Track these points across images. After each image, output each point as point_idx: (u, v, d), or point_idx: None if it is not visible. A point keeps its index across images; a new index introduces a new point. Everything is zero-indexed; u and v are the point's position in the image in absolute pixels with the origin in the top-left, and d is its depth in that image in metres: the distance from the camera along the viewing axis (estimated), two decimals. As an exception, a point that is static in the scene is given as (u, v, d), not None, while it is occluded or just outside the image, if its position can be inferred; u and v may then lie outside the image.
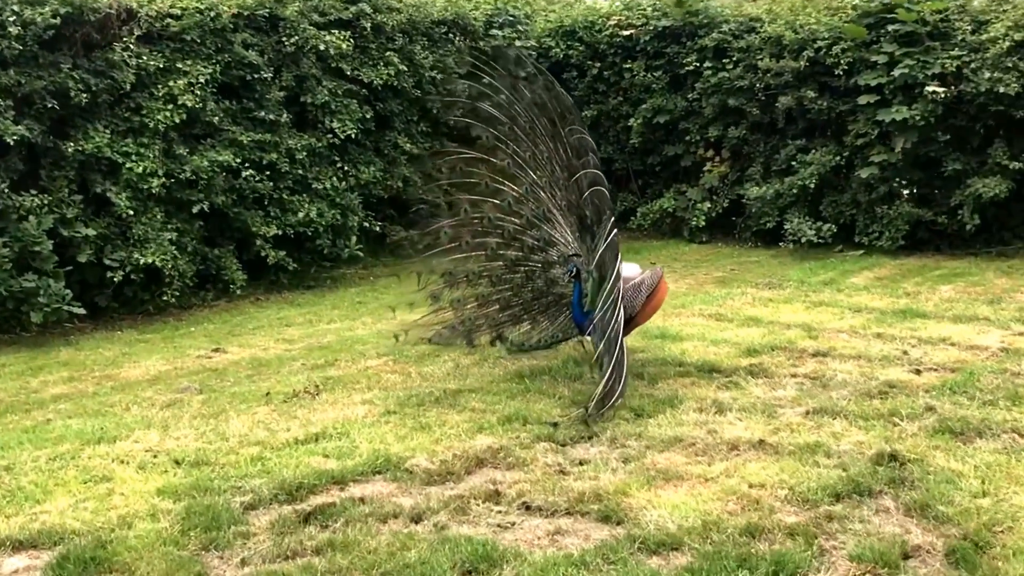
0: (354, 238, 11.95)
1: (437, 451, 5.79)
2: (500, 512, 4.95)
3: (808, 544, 4.48)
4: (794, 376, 7.30)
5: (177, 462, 5.78)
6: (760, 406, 6.52)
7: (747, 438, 5.87)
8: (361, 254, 12.16)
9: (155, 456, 5.90)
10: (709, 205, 14.12)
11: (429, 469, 5.49)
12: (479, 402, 6.77)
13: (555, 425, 6.14)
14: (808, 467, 5.40)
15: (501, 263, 7.63)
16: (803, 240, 12.89)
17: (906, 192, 12.92)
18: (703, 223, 14.05)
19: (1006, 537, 4.53)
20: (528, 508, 4.98)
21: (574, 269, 7.17)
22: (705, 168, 14.29)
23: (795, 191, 13.08)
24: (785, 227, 13.16)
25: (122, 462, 5.81)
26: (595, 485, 5.17)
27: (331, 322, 10.00)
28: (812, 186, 12.97)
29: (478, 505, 5.01)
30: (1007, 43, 11.78)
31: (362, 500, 5.12)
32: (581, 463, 5.57)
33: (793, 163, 13.30)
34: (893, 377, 7.13)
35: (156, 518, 4.97)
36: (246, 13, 11.19)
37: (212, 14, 10.76)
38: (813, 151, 13.14)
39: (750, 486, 5.15)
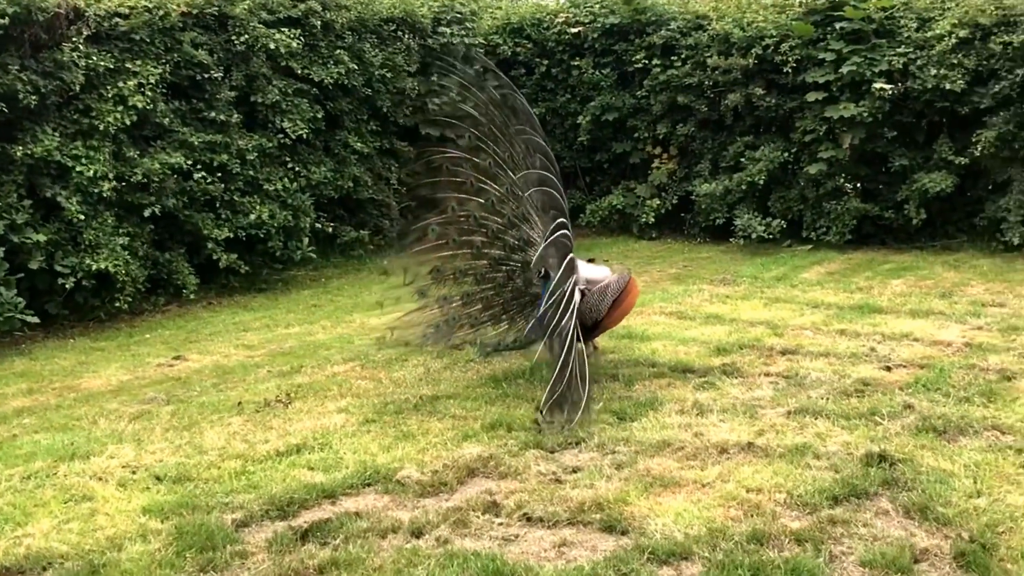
0: (306, 239, 11.77)
1: (425, 461, 5.70)
2: (501, 524, 4.88)
3: (817, 551, 4.48)
4: (767, 375, 7.33)
5: (158, 478, 5.63)
6: (740, 407, 6.53)
7: (734, 440, 5.87)
8: (313, 256, 12.00)
9: (134, 472, 5.74)
10: (658, 202, 14.17)
11: (421, 480, 5.40)
12: (459, 408, 6.69)
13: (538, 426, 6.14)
14: (800, 470, 5.42)
15: (485, 261, 7.55)
16: (753, 236, 13.00)
17: (849, 187, 13.08)
18: (652, 220, 14.10)
19: (1010, 538, 4.57)
20: (529, 519, 4.92)
21: (542, 269, 7.14)
22: (654, 165, 14.34)
23: (744, 187, 13.19)
24: (735, 223, 13.26)
25: (100, 479, 5.64)
26: (594, 494, 5.12)
27: (289, 326, 9.84)
28: (760, 182, 13.08)
29: (478, 517, 4.94)
30: (952, 40, 11.98)
31: (358, 514, 5.01)
32: (574, 470, 5.52)
33: (741, 160, 13.40)
34: (865, 374, 7.20)
35: (146, 539, 4.82)
36: (195, 12, 10.94)
37: (160, 13, 10.49)
38: (761, 148, 13.26)
39: (748, 491, 5.15)
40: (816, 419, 6.25)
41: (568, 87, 14.80)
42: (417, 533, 4.80)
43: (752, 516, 4.84)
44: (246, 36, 11.23)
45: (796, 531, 4.66)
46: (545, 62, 14.80)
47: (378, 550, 4.63)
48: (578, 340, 6.62)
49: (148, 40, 10.45)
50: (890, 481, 5.22)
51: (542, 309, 6.75)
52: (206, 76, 10.94)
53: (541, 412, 6.25)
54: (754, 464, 5.53)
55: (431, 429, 6.29)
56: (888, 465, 5.42)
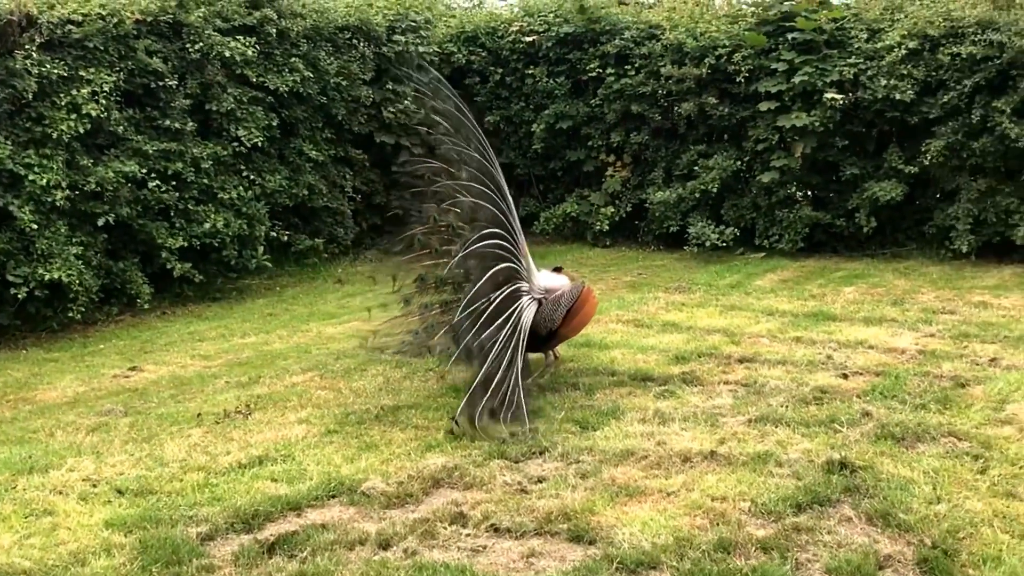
0: (261, 248, 11.70)
1: (390, 472, 5.69)
2: (469, 535, 4.88)
3: (784, 558, 4.53)
4: (727, 383, 7.39)
5: (120, 491, 5.56)
6: (701, 415, 6.58)
7: (697, 449, 5.92)
8: (268, 264, 11.92)
9: (95, 486, 5.67)
10: (612, 209, 14.23)
11: (386, 491, 5.38)
12: (421, 418, 6.68)
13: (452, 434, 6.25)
14: (763, 478, 5.47)
15: (462, 270, 7.55)
16: (706, 244, 13.11)
17: (800, 195, 13.25)
18: (606, 227, 14.17)
19: (971, 544, 4.64)
20: (496, 530, 4.92)
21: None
22: (608, 173, 14.41)
23: (697, 195, 13.30)
24: (688, 231, 13.36)
25: (60, 493, 5.56)
26: (560, 503, 5.14)
27: (245, 336, 9.77)
28: (714, 190, 13.20)
29: (445, 528, 4.94)
30: (902, 51, 12.17)
31: (324, 527, 4.99)
32: (540, 480, 5.53)
33: (695, 168, 13.51)
34: (823, 382, 7.27)
35: (111, 553, 4.76)
36: (149, 19, 10.84)
37: (114, 20, 10.39)
38: (714, 156, 13.38)
39: (712, 499, 5.19)
40: (776, 427, 6.32)
41: (522, 95, 14.84)
42: (385, 545, 4.79)
43: (718, 525, 4.88)
44: (201, 44, 11.15)
45: (762, 539, 4.71)
46: (499, 70, 14.83)
47: (346, 562, 4.61)
48: (520, 350, 6.75)
49: (102, 48, 10.35)
50: (852, 488, 5.29)
51: (456, 319, 6.80)
52: (160, 84, 10.85)
53: (455, 421, 6.31)
54: (718, 472, 5.58)
55: (394, 439, 6.27)
56: (849, 472, 5.49)
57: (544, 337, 7.44)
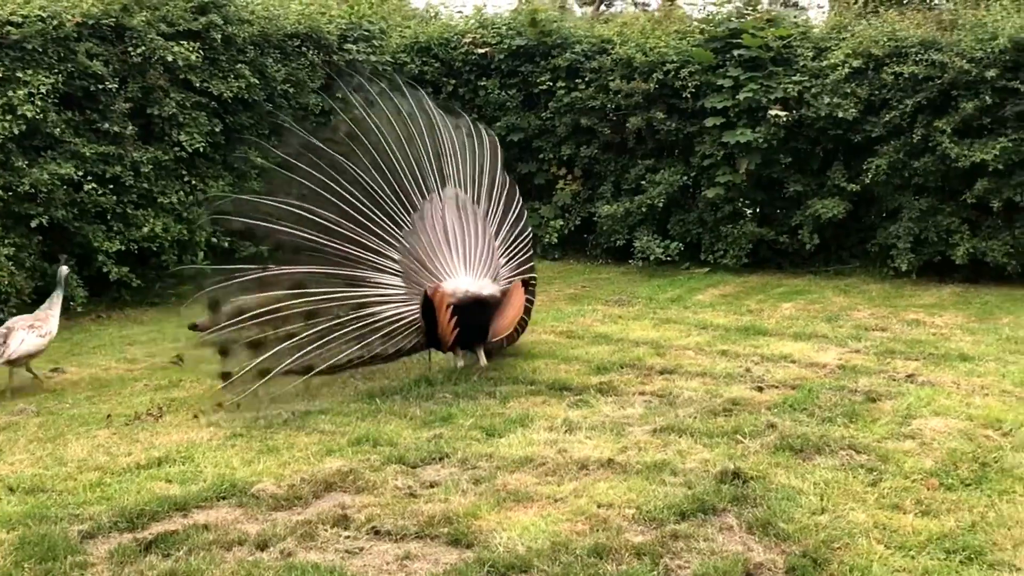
0: (201, 253, 11.67)
1: (284, 475, 5.69)
2: (348, 537, 4.89)
3: (654, 564, 4.56)
4: (642, 394, 7.44)
5: (11, 489, 5.56)
6: (609, 424, 6.61)
7: (596, 457, 5.94)
8: (209, 270, 11.86)
9: (-12, 483, 5.66)
10: (562, 222, 14.28)
11: (276, 494, 5.39)
12: (329, 424, 6.69)
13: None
14: (655, 486, 5.49)
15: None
16: (651, 258, 13.18)
17: (748, 211, 13.34)
18: (556, 240, 14.21)
19: (843, 553, 4.67)
20: (377, 533, 4.93)
21: None
22: (558, 186, 14.45)
23: (644, 210, 13.37)
24: (634, 244, 13.41)
25: (-50, 490, 5.55)
26: (445, 508, 5.15)
27: (176, 340, 9.68)
28: (660, 205, 13.27)
29: (326, 530, 4.94)
30: (846, 70, 12.27)
31: (206, 527, 4.98)
32: (432, 485, 5.54)
33: (642, 182, 13.59)
34: (737, 394, 7.31)
35: (-12, 550, 4.75)
36: (90, 22, 10.81)
37: (55, 23, 10.37)
38: (662, 171, 13.46)
39: (599, 506, 5.21)
40: (680, 437, 6.34)
41: (474, 107, 14.85)
42: (262, 546, 4.78)
43: (597, 531, 4.90)
44: (143, 48, 11.12)
45: (637, 545, 4.73)
46: (452, 82, 14.86)
47: (220, 562, 4.60)
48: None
49: (41, 50, 10.32)
50: (740, 498, 5.31)
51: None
52: (101, 87, 10.81)
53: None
54: (611, 480, 5.60)
55: (297, 443, 6.28)
56: (741, 482, 5.51)
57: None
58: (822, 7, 26.83)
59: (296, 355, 7.38)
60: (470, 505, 5.20)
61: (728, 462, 5.80)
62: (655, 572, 4.48)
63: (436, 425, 6.63)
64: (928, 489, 5.49)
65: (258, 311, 7.43)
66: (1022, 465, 5.85)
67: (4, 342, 7.79)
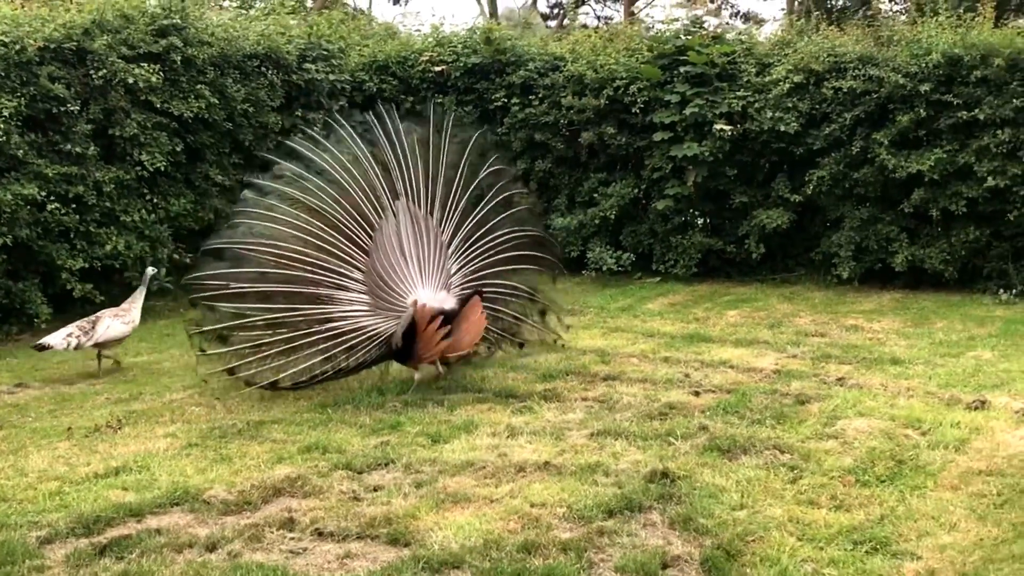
0: (163, 270, 11.93)
1: (236, 482, 5.98)
2: (293, 539, 5.19)
3: (579, 557, 4.88)
4: (584, 399, 7.77)
5: (-27, 500, 5.83)
6: (550, 429, 6.94)
7: (534, 460, 6.27)
8: (171, 286, 12.14)
9: (-49, 495, 5.92)
10: (517, 235, 14.60)
11: (227, 499, 5.69)
12: (281, 433, 6.99)
13: None
14: (587, 486, 5.83)
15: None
16: (604, 268, 13.54)
17: (700, 221, 13.73)
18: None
19: (756, 546, 5.02)
20: (320, 534, 5.24)
21: None
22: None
23: (597, 222, 13.74)
24: (588, 256, 13.78)
25: (-85, 502, 5.81)
26: (387, 510, 5.47)
27: (138, 355, 10.01)
28: (613, 217, 13.64)
29: (272, 533, 5.24)
30: (787, 85, 12.69)
31: (158, 531, 5.27)
32: (375, 489, 5.85)
33: (595, 195, 13.96)
34: (674, 399, 7.67)
35: (-50, 556, 5.03)
36: (52, 46, 11.08)
37: (17, 47, 10.63)
38: (613, 184, 13.84)
39: (532, 505, 5.53)
40: (616, 440, 6.68)
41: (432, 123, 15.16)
42: (211, 548, 5.08)
43: (528, 528, 5.23)
44: (105, 71, 11.40)
45: (565, 541, 5.05)
46: (410, 99, 15.14)
47: (170, 563, 4.90)
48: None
49: (3, 74, 10.58)
50: (665, 496, 5.65)
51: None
52: (63, 109, 11.07)
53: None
54: (546, 481, 5.93)
55: (249, 452, 6.57)
56: (669, 481, 5.86)
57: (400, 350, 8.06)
58: (778, 20, 27.38)
59: (263, 367, 7.93)
60: (410, 507, 5.52)
61: (658, 463, 6.14)
62: (579, 565, 4.80)
63: (384, 432, 6.95)
64: (844, 485, 5.86)
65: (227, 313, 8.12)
66: (936, 462, 6.22)
67: (92, 327, 9.07)
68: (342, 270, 8.20)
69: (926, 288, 12.50)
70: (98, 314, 9.33)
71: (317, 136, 9.21)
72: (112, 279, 11.74)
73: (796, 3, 31.84)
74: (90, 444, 6.91)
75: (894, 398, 7.65)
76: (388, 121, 8.99)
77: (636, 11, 35.23)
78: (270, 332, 8.06)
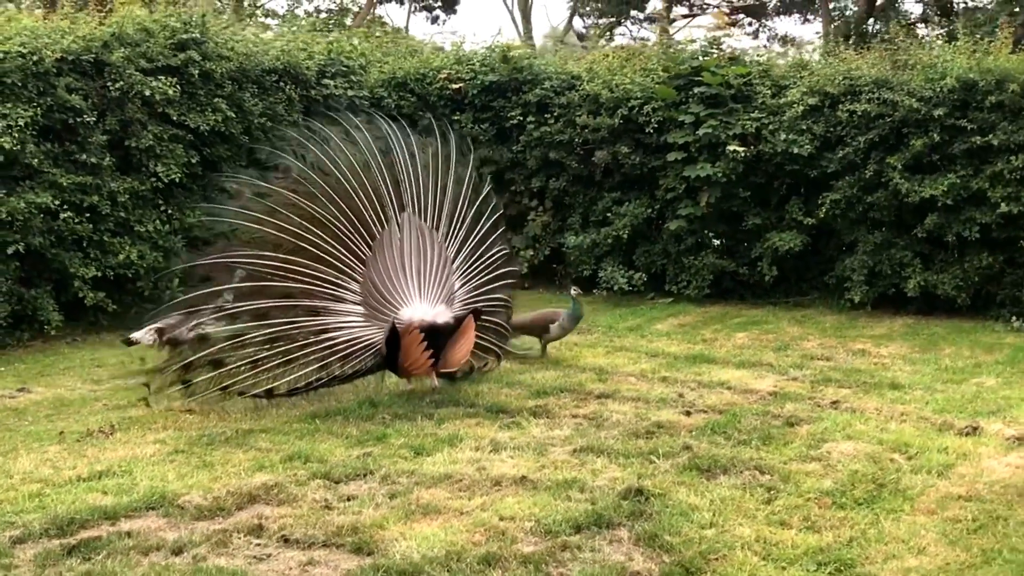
0: (176, 280, 12.04)
1: (213, 488, 6.05)
2: (259, 545, 5.24)
3: (538, 571, 4.90)
4: (574, 416, 7.78)
5: (-45, 499, 5.93)
6: (534, 445, 6.95)
7: (512, 474, 6.29)
8: (179, 296, 12.25)
9: (-65, 494, 6.02)
10: (532, 253, 14.68)
11: (201, 505, 5.75)
12: (267, 441, 7.05)
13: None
14: (560, 501, 5.84)
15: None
16: (615, 288, 13.55)
17: (716, 242, 13.70)
18: (526, 270, 14.58)
19: (718, 564, 5.02)
20: (287, 541, 5.28)
21: None
22: (529, 217, 14.86)
23: (610, 241, 13.75)
24: (600, 275, 13.80)
25: (-102, 501, 5.92)
26: (355, 519, 5.51)
27: (144, 363, 10.09)
28: (626, 236, 13.65)
29: (239, 538, 5.30)
30: (801, 107, 12.68)
31: (129, 534, 5.34)
32: (349, 499, 5.90)
33: (609, 214, 13.98)
34: (664, 418, 7.66)
35: (-77, 553, 5.12)
36: (71, 58, 11.28)
37: (35, 58, 10.83)
38: (627, 203, 13.84)
39: (501, 519, 5.55)
40: (598, 457, 6.69)
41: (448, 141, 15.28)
42: (177, 551, 5.14)
43: (492, 541, 5.25)
44: (122, 83, 11.58)
45: (527, 554, 5.07)
46: (428, 116, 15.28)
47: (135, 565, 4.97)
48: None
49: (20, 84, 10.75)
50: (637, 513, 5.66)
51: None
52: (79, 120, 11.24)
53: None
54: (519, 495, 5.95)
55: (232, 459, 6.64)
56: (643, 499, 5.86)
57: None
58: (812, 44, 27.33)
59: (259, 379, 7.93)
60: (379, 517, 5.56)
61: (635, 480, 6.14)
62: (537, 578, 4.83)
63: (369, 444, 6.99)
64: (819, 507, 5.83)
65: (223, 343, 8.01)
66: (917, 486, 6.19)
67: None
68: (340, 280, 8.26)
69: (939, 314, 12.38)
70: None
71: (328, 132, 9.13)
72: (125, 288, 11.88)
73: (832, 26, 31.80)
74: (80, 448, 7.00)
75: (886, 422, 7.61)
76: (403, 131, 9.03)
77: (672, 32, 35.36)
78: (268, 347, 8.04)
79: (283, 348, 7.99)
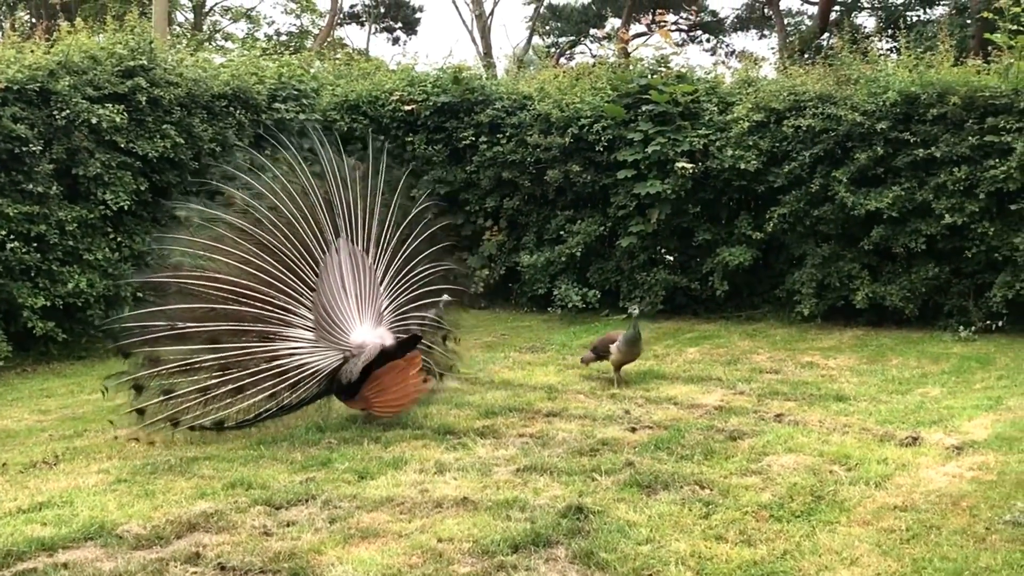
0: (127, 308, 12.00)
1: (153, 517, 6.03)
2: (196, 573, 5.24)
3: (472, 592, 4.93)
4: (521, 436, 7.81)
5: None
6: (479, 465, 6.98)
7: (453, 496, 6.31)
8: (128, 316, 12.20)
9: None
10: (487, 272, 14.73)
11: (140, 535, 5.73)
12: (210, 469, 7.04)
13: None
14: (499, 521, 5.86)
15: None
16: (570, 305, 13.61)
17: (670, 258, 13.81)
18: (481, 289, 14.65)
19: (650, 580, 5.08)
20: (223, 568, 5.28)
21: None
22: (484, 237, 14.93)
23: (564, 259, 13.84)
24: (554, 293, 13.87)
25: None
26: (294, 545, 5.52)
27: (93, 392, 10.05)
28: (579, 254, 13.75)
29: (176, 567, 5.29)
30: (747, 123, 12.82)
31: (65, 565, 5.33)
32: (289, 524, 5.90)
33: (562, 232, 14.08)
34: (609, 435, 7.71)
35: None
36: (16, 87, 11.25)
37: (-20, 89, 10.83)
38: (580, 221, 13.95)
39: (439, 540, 5.58)
40: (541, 475, 6.73)
41: (403, 161, 15.31)
42: (112, 582, 5.14)
43: (429, 563, 5.27)
44: (68, 111, 11.57)
45: (463, 575, 5.10)
46: (381, 138, 15.31)
47: (68, 597, 4.96)
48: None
49: (-35, 115, 10.75)
50: (575, 531, 5.69)
51: None
52: (25, 149, 11.20)
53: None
54: (459, 516, 5.97)
55: (174, 488, 6.62)
56: (583, 516, 5.89)
57: (347, 386, 8.06)
58: (767, 60, 27.60)
59: (208, 409, 7.86)
60: (317, 542, 5.56)
61: (577, 498, 6.18)
62: (469, 599, 4.86)
63: (313, 469, 6.99)
64: (756, 520, 5.89)
65: (174, 362, 7.97)
66: (855, 498, 6.26)
67: None
68: (289, 305, 8.26)
69: (888, 326, 12.54)
70: None
71: (265, 161, 9.17)
72: (75, 317, 11.83)
73: (787, 41, 32.11)
74: (22, 480, 6.96)
75: (828, 434, 7.69)
76: (337, 154, 9.05)
77: (631, 51, 35.59)
78: (219, 374, 7.98)
79: (234, 375, 7.94)
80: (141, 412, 7.94)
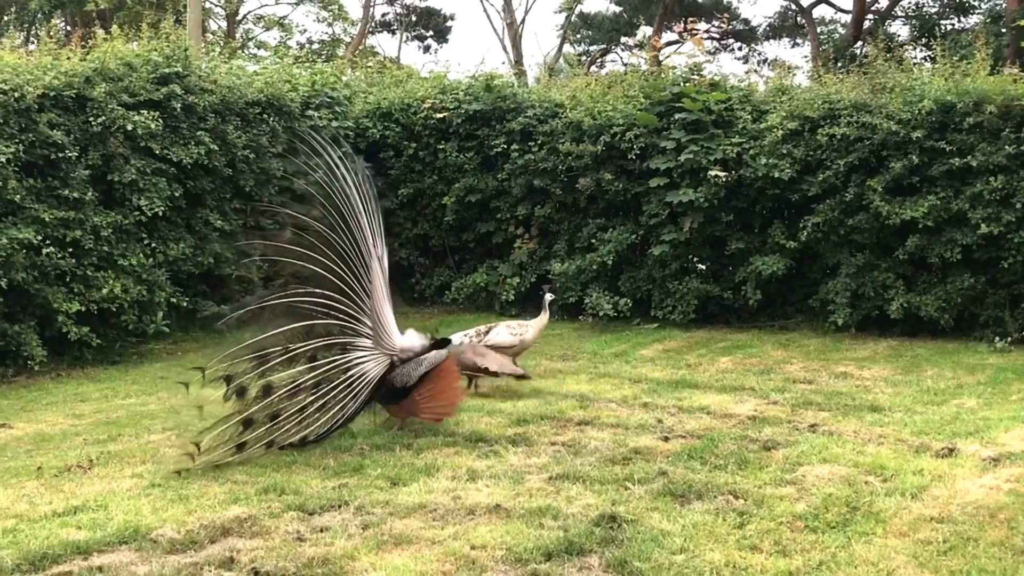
0: (160, 313, 12.09)
1: (188, 521, 6.05)
2: (229, 578, 5.26)
3: (505, 599, 4.92)
4: (553, 444, 7.78)
5: (-70, 536, 5.93)
6: (511, 473, 6.96)
7: (486, 503, 6.29)
8: (167, 329, 12.29)
9: (-91, 532, 6.03)
10: (518, 280, 14.72)
11: (174, 539, 5.75)
12: (243, 474, 7.05)
13: None
14: (532, 529, 5.84)
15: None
16: (601, 314, 13.58)
17: (702, 267, 13.77)
18: (512, 297, 14.64)
19: (683, 589, 5.04)
20: (257, 573, 5.28)
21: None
22: (516, 244, 14.93)
23: (595, 267, 13.81)
24: (585, 301, 13.85)
25: None
26: (327, 551, 5.51)
27: (127, 397, 10.15)
28: (611, 263, 13.72)
29: (210, 571, 5.30)
30: (781, 132, 12.76)
31: (100, 568, 5.35)
32: (322, 530, 5.90)
33: (593, 241, 14.05)
34: (642, 444, 7.67)
35: None
36: (52, 94, 11.36)
37: (16, 95, 10.90)
38: (611, 229, 13.92)
39: (472, 548, 5.56)
40: (573, 484, 6.70)
41: (435, 169, 15.41)
42: (146, 586, 5.16)
43: (463, 570, 5.26)
44: (104, 118, 11.66)
45: (495, 583, 5.09)
46: (413, 145, 15.40)
47: (103, 601, 4.98)
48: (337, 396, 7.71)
49: (2, 120, 10.83)
50: (608, 539, 5.66)
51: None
52: (61, 155, 11.31)
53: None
54: (492, 524, 5.95)
55: (208, 493, 6.64)
56: (616, 525, 5.87)
57: (399, 391, 8.04)
58: (801, 68, 27.48)
59: (301, 427, 7.63)
60: (351, 548, 5.56)
61: (610, 507, 6.15)
62: (502, 607, 4.84)
63: (346, 475, 7.00)
64: (791, 531, 5.84)
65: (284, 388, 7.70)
66: (891, 509, 6.19)
67: (487, 332, 10.35)
68: (358, 314, 8.09)
69: (923, 336, 12.44)
70: (495, 323, 10.66)
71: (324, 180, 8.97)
72: (109, 322, 11.91)
73: (820, 49, 31.99)
74: (57, 483, 7.00)
75: (863, 445, 7.62)
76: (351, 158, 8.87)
77: (663, 59, 35.54)
78: (314, 391, 7.73)
79: (325, 390, 7.75)
80: (241, 448, 7.45)
